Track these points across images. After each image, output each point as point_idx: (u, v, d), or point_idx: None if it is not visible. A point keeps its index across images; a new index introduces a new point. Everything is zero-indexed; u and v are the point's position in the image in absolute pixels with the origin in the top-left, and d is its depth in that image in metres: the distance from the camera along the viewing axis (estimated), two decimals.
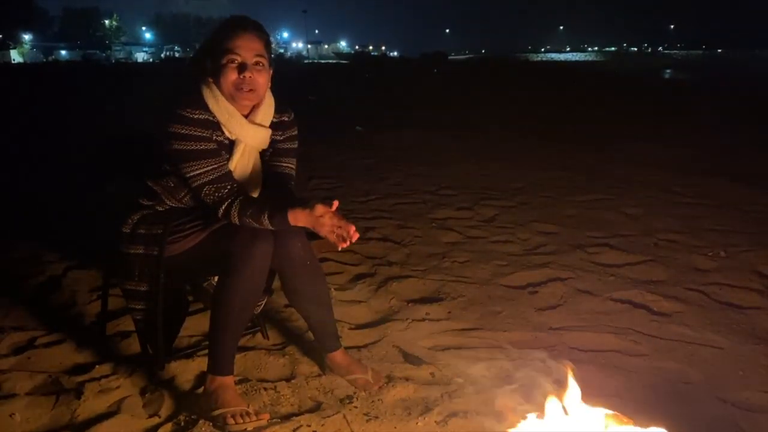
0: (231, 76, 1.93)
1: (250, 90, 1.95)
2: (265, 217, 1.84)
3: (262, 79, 1.97)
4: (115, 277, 2.14)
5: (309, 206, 1.79)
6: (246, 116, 2.01)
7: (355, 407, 2.00)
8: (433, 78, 26.98)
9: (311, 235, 1.89)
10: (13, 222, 4.17)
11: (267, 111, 2.06)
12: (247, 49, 1.93)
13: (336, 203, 1.78)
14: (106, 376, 2.15)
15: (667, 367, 2.29)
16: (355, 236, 1.76)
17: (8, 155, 7.04)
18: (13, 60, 60.83)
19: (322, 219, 1.77)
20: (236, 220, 1.89)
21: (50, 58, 71.46)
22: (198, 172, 1.91)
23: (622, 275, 3.24)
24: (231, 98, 1.96)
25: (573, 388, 1.76)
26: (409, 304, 2.86)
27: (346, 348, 2.27)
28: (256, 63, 1.95)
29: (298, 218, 1.81)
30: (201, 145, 1.91)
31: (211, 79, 1.96)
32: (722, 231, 4.02)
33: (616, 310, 2.80)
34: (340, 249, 1.79)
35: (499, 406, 1.96)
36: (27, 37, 75.79)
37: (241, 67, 1.93)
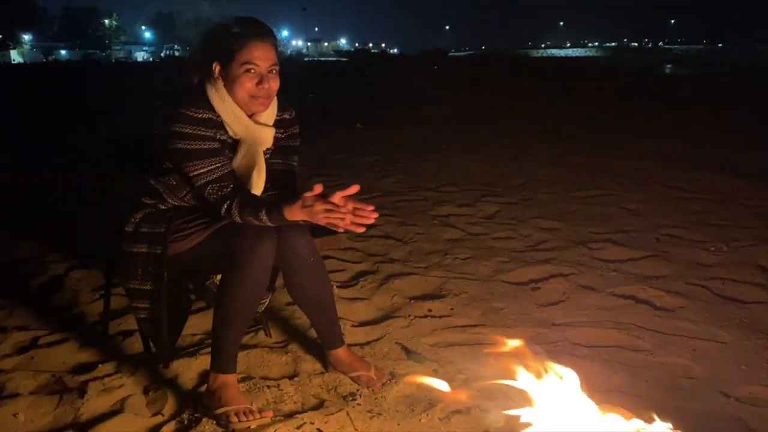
0: (248, 86, 1.93)
1: (266, 97, 1.96)
2: (263, 214, 1.85)
3: (276, 85, 1.98)
4: (118, 276, 2.14)
5: (299, 198, 1.79)
6: (250, 116, 2.01)
7: (359, 404, 2.00)
8: (434, 75, 26.94)
9: (315, 232, 1.89)
10: (16, 221, 4.17)
11: (270, 110, 2.06)
12: (264, 59, 1.93)
13: (319, 187, 1.76)
14: (109, 375, 2.15)
15: (670, 362, 2.29)
16: (369, 217, 1.75)
17: (10, 155, 7.04)
18: (13, 60, 60.80)
19: (313, 207, 1.76)
20: (238, 219, 1.89)
21: (50, 58, 71.44)
22: (201, 171, 1.91)
23: (625, 271, 3.24)
24: (244, 104, 1.96)
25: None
26: (412, 301, 2.87)
27: (349, 345, 2.27)
28: (271, 71, 1.95)
29: (293, 212, 1.81)
30: (204, 145, 1.91)
31: (218, 79, 1.96)
32: (724, 226, 4.02)
33: (619, 305, 2.80)
34: (342, 230, 1.77)
35: (502, 402, 1.96)
36: (27, 37, 75.71)
37: (260, 79, 1.93)
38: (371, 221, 1.78)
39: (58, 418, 1.95)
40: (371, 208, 1.77)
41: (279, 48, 2.01)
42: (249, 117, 2.00)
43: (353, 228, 1.77)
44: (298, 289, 2.10)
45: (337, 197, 1.76)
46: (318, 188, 1.76)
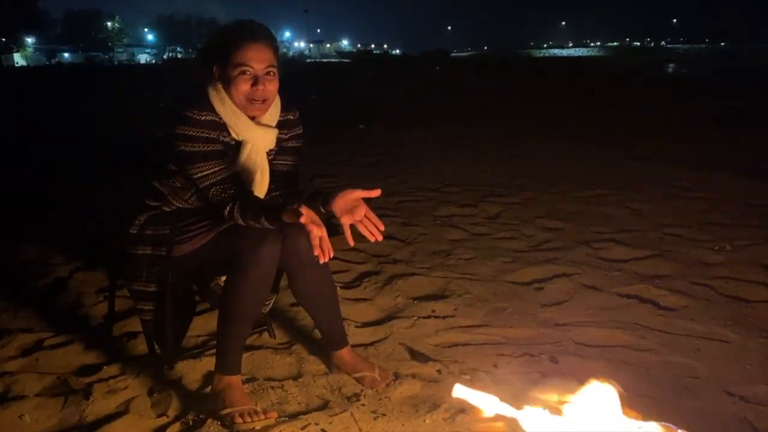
0: (243, 87, 1.93)
1: (263, 100, 1.97)
2: (263, 220, 1.85)
3: (273, 87, 1.98)
4: (123, 278, 2.15)
5: (297, 210, 1.74)
6: (252, 117, 2.01)
7: (363, 405, 2.00)
8: (436, 75, 26.93)
9: None
10: (20, 223, 4.18)
11: (273, 111, 2.06)
12: (259, 60, 1.93)
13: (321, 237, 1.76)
14: (114, 377, 2.16)
15: (674, 361, 2.28)
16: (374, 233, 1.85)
17: (15, 156, 7.07)
18: (16, 63, 60.97)
19: (311, 231, 1.76)
20: (240, 222, 1.90)
21: (53, 61, 71.64)
22: (204, 173, 1.91)
23: (628, 270, 3.23)
24: (242, 108, 1.96)
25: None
26: (415, 302, 2.87)
27: (353, 346, 2.27)
28: (268, 73, 1.95)
29: (292, 219, 1.82)
30: (207, 147, 1.91)
31: (218, 82, 1.96)
32: (728, 225, 4.01)
33: (623, 305, 2.80)
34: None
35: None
36: (30, 40, 75.87)
37: (254, 80, 1.93)
38: (375, 238, 1.85)
39: (63, 419, 1.95)
40: (381, 227, 1.85)
41: (279, 50, 2.01)
42: (251, 119, 2.00)
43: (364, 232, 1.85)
44: (302, 290, 2.10)
45: (303, 219, 1.72)
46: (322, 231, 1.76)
